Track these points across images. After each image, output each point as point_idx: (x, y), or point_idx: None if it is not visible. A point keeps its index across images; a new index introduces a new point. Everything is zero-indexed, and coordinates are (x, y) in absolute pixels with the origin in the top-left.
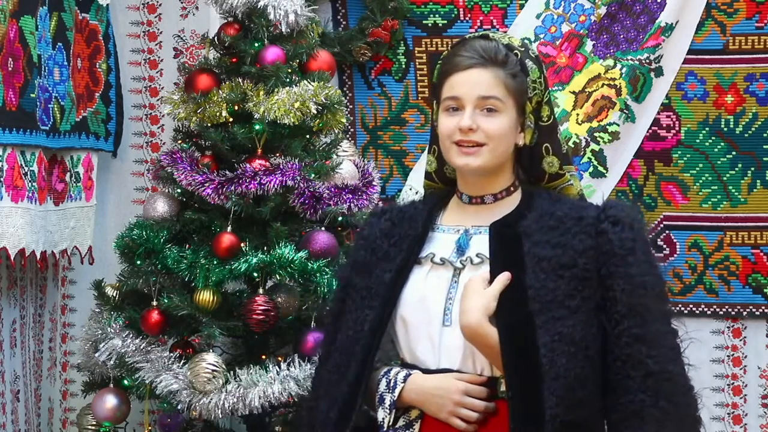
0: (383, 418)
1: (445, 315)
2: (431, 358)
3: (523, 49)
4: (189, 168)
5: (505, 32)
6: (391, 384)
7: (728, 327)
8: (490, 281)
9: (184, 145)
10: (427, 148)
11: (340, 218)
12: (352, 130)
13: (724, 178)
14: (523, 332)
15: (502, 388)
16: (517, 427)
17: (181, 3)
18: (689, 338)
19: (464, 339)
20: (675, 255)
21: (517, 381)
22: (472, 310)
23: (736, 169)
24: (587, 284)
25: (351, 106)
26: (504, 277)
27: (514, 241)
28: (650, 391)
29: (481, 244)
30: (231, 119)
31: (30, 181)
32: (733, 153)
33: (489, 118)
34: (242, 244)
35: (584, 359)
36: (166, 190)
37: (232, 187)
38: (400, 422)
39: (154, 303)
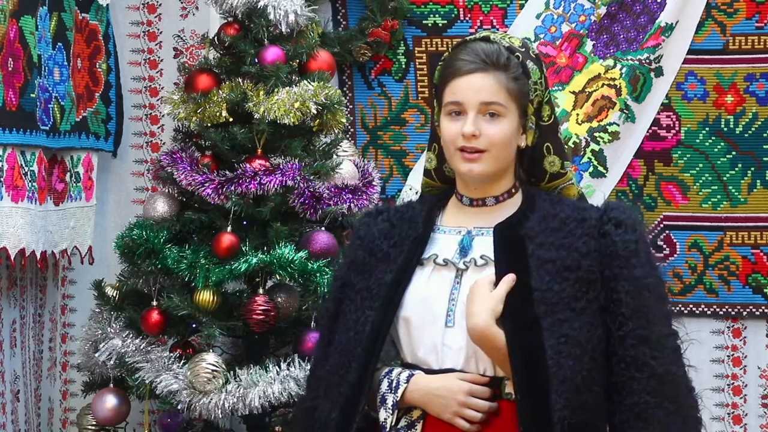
0: (385, 419)
1: (447, 316)
2: (434, 359)
3: (524, 49)
4: (189, 168)
5: (505, 32)
6: (394, 384)
7: (728, 327)
8: (496, 283)
9: (184, 145)
10: (427, 146)
11: (340, 218)
12: (352, 130)
13: (724, 178)
14: (529, 334)
15: (507, 389)
16: (526, 430)
17: (181, 3)
18: (689, 339)
19: (468, 340)
20: (675, 255)
21: (525, 383)
22: (479, 313)
23: (736, 169)
24: (592, 286)
25: (351, 106)
26: (509, 279)
27: (518, 243)
28: (654, 393)
29: (484, 246)
30: (231, 119)
31: (30, 181)
32: (733, 153)
33: (492, 123)
34: (242, 244)
35: (590, 361)
36: (166, 190)
37: (232, 187)
38: (402, 422)
39: (154, 303)
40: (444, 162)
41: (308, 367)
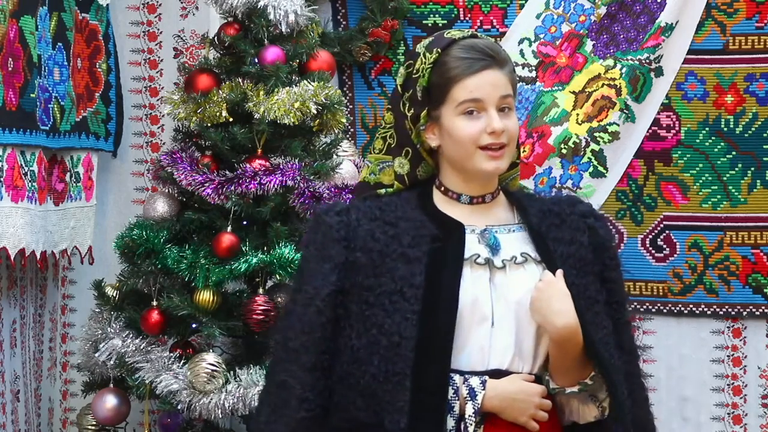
0: (452, 427)
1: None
2: (478, 360)
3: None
4: (189, 168)
5: (505, 32)
6: (465, 391)
7: (728, 327)
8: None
9: (184, 145)
10: (391, 153)
11: None
12: (352, 130)
13: (724, 178)
14: (586, 329)
15: (552, 385)
16: (625, 421)
17: (181, 3)
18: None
19: (514, 339)
20: (675, 255)
21: (610, 375)
22: (567, 311)
23: (736, 169)
24: (598, 278)
25: (351, 106)
26: (561, 275)
27: (542, 240)
28: (641, 375)
29: (511, 244)
30: (231, 119)
31: (30, 181)
32: (733, 153)
33: (507, 117)
34: (242, 244)
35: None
36: (166, 190)
37: (232, 187)
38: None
39: (154, 303)
40: (418, 165)
41: None
